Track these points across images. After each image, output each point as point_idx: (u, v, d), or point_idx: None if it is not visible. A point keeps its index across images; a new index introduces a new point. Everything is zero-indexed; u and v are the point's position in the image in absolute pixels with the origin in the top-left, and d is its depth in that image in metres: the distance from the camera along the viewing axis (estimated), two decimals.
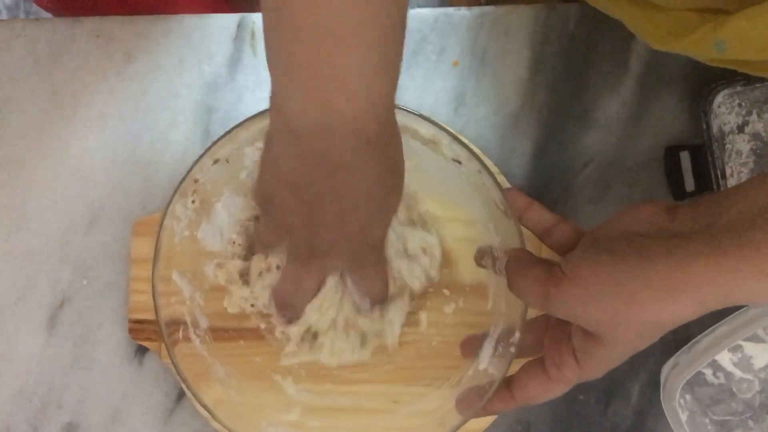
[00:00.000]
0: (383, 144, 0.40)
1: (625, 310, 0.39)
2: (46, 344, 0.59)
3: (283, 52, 0.36)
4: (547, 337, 0.46)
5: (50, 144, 0.59)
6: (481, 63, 0.59)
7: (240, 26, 0.59)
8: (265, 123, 0.49)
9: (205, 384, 0.52)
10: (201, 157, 0.50)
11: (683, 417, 0.53)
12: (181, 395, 0.59)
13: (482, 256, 0.52)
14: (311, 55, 0.35)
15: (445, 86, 0.59)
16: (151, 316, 0.57)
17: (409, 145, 0.51)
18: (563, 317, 0.42)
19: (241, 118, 0.49)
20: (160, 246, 0.50)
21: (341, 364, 0.55)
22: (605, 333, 0.41)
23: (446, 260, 0.56)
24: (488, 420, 0.58)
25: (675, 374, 0.52)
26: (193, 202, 0.52)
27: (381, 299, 0.53)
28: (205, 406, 0.50)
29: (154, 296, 0.51)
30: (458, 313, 0.56)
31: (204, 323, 0.54)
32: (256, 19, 0.59)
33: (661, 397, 0.53)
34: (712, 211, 0.39)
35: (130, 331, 0.57)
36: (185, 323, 0.53)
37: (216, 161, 0.51)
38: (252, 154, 0.53)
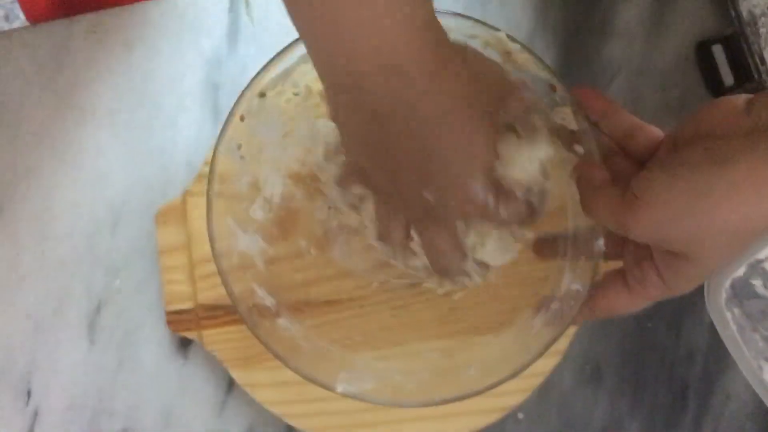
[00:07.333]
0: (434, 75, 0.35)
1: (711, 225, 0.36)
2: (89, 352, 0.57)
3: (299, 15, 0.34)
4: (627, 251, 0.43)
5: (64, 149, 0.58)
6: None
7: None
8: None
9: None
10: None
11: (734, 327, 0.48)
12: (231, 385, 0.57)
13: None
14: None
15: None
16: (187, 305, 0.55)
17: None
18: (646, 242, 0.39)
19: None
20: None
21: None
22: (692, 252, 0.38)
23: None
24: (553, 362, 0.54)
25: (717, 271, 0.47)
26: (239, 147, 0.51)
27: (444, 271, 0.46)
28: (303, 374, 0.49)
29: (221, 274, 0.49)
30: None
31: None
32: None
33: (706, 299, 0.49)
34: None
35: (169, 323, 0.55)
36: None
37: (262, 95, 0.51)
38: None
